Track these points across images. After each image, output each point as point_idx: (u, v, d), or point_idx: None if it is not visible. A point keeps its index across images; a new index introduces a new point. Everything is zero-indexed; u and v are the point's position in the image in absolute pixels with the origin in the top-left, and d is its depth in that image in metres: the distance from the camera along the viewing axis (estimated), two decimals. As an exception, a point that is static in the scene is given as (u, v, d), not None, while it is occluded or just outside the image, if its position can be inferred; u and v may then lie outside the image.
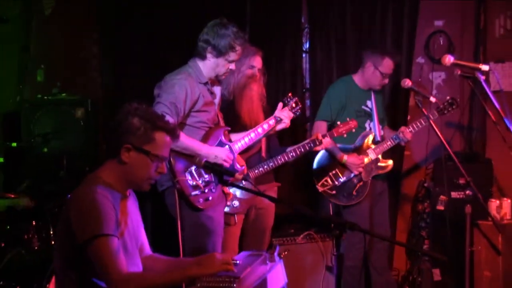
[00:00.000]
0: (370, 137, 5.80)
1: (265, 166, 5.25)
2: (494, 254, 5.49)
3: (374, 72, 5.79)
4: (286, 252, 3.96)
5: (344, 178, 5.76)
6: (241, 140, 4.87)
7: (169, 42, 6.46)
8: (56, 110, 6.15)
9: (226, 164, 4.54)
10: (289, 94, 5.20)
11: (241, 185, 4.02)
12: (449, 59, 4.80)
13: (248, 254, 3.77)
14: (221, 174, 3.60)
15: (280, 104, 5.09)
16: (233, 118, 5.10)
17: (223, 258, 3.28)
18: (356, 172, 5.73)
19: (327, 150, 5.64)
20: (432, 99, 5.43)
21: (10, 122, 6.42)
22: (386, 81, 5.84)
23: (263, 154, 5.43)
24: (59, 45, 6.63)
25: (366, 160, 5.74)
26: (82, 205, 3.15)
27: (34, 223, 5.34)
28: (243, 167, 4.82)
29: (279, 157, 5.26)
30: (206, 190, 4.61)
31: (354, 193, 5.77)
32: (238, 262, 3.31)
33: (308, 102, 6.86)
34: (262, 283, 3.30)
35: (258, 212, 5.42)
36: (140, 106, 3.35)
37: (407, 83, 5.56)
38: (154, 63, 6.32)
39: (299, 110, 5.18)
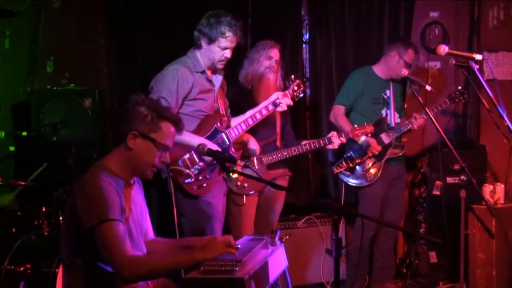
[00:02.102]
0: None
1: (279, 154, 5.26)
2: (487, 237, 5.48)
3: (398, 61, 5.83)
4: (287, 237, 3.96)
5: (358, 160, 5.83)
6: (238, 127, 4.84)
7: (174, 33, 6.44)
8: (65, 100, 6.14)
9: None
10: (292, 76, 5.15)
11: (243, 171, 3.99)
12: (444, 49, 4.77)
13: (250, 238, 3.76)
14: (223, 161, 3.58)
15: (279, 92, 5.04)
16: (250, 106, 5.05)
17: (225, 240, 3.30)
18: (370, 154, 5.77)
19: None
20: (428, 88, 5.44)
21: (20, 112, 6.40)
22: (408, 71, 5.83)
23: (278, 143, 5.43)
24: (67, 37, 6.61)
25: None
26: (88, 192, 3.15)
27: (44, 209, 5.35)
28: (256, 150, 4.84)
29: (293, 148, 5.27)
30: (200, 178, 4.60)
31: (367, 175, 5.83)
32: (239, 246, 3.30)
33: (308, 91, 6.84)
34: (263, 267, 3.28)
35: (267, 195, 5.42)
36: (147, 97, 3.40)
37: (403, 72, 5.57)
38: (160, 54, 6.30)
39: (301, 93, 5.14)
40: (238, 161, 3.49)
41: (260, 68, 5.31)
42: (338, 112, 5.90)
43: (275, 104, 4.97)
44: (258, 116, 4.92)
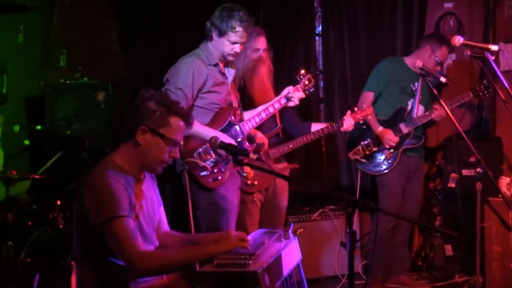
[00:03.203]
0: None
1: (285, 147, 5.23)
2: (504, 230, 5.44)
3: (430, 56, 5.80)
4: (301, 230, 3.94)
5: (375, 148, 5.81)
6: (251, 120, 4.83)
7: (187, 27, 6.43)
8: (78, 93, 6.17)
9: None
10: (302, 71, 5.11)
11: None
12: (458, 40, 4.74)
13: (263, 231, 3.75)
14: (236, 154, 3.57)
15: (291, 86, 5.03)
16: (247, 102, 5.05)
17: (238, 235, 3.30)
18: (387, 146, 5.76)
19: (365, 120, 5.62)
20: (443, 80, 5.39)
21: (34, 105, 6.44)
22: (438, 68, 5.82)
23: (281, 135, 5.40)
24: (80, 31, 6.63)
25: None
26: (95, 189, 3.15)
27: (59, 203, 5.38)
28: (264, 145, 4.83)
29: (298, 139, 5.23)
30: (215, 170, 4.60)
31: (383, 163, 5.83)
32: (250, 241, 3.31)
33: (321, 83, 6.84)
34: (277, 260, 3.27)
35: (274, 191, 5.39)
36: (156, 92, 3.36)
37: (418, 63, 5.53)
38: (173, 47, 6.31)
39: (312, 87, 5.11)
40: (251, 154, 3.46)
41: (249, 63, 5.19)
42: (365, 99, 5.88)
43: (287, 98, 4.96)
44: (271, 110, 4.92)
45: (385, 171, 5.83)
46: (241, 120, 4.81)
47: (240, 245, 3.23)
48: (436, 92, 5.37)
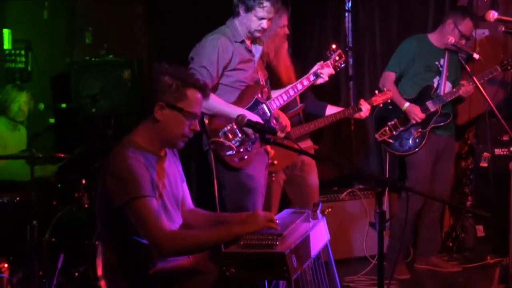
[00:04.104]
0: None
1: (306, 128, 5.21)
2: (538, 210, 5.37)
3: (453, 30, 5.68)
4: (329, 210, 3.92)
5: (403, 127, 5.76)
6: (279, 98, 4.78)
7: (214, 1, 6.37)
8: (103, 71, 6.18)
9: None
10: (333, 46, 5.06)
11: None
12: (493, 15, 4.67)
13: (291, 211, 3.74)
14: (263, 132, 3.53)
15: (321, 62, 4.98)
16: (272, 79, 5.01)
17: (266, 215, 3.26)
18: (414, 122, 5.70)
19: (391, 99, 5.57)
20: (476, 56, 5.32)
21: (59, 83, 6.45)
22: (463, 42, 5.72)
23: (301, 114, 5.37)
24: (105, 7, 6.61)
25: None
26: (115, 170, 3.13)
27: (84, 182, 5.39)
28: (287, 126, 4.78)
29: (320, 120, 5.23)
30: (242, 150, 4.56)
31: (411, 142, 5.77)
32: (277, 221, 3.27)
33: (351, 60, 6.77)
34: (304, 240, 3.24)
35: (303, 169, 5.37)
36: (170, 66, 3.33)
37: (449, 40, 5.46)
38: (199, 23, 6.24)
39: (343, 63, 5.06)
40: (279, 133, 3.43)
41: (276, 40, 5.19)
42: (387, 79, 5.84)
43: (316, 75, 4.91)
44: (300, 87, 4.87)
45: (414, 150, 5.76)
46: (268, 98, 4.77)
47: (268, 225, 3.20)
48: (469, 69, 5.29)
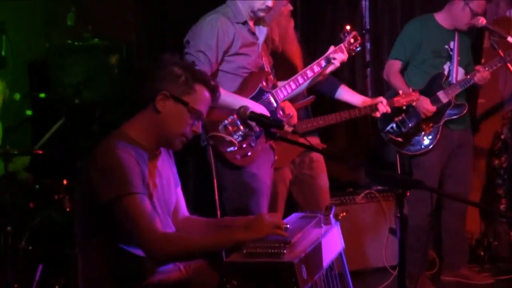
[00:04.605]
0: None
1: (314, 123, 5.22)
2: None
3: (463, 8, 5.66)
4: (344, 214, 3.90)
5: (412, 123, 5.72)
6: (286, 87, 4.74)
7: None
8: (87, 57, 6.20)
9: None
10: (347, 28, 5.00)
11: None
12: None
13: (300, 216, 3.72)
14: (269, 126, 3.52)
15: (332, 47, 4.94)
16: (279, 68, 4.99)
17: (273, 221, 3.23)
18: (424, 116, 5.67)
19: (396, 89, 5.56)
20: (510, 39, 5.30)
21: (38, 71, 6.45)
22: (474, 22, 5.69)
23: (309, 107, 5.37)
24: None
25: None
26: (101, 163, 3.10)
27: (65, 182, 5.39)
28: (293, 117, 4.76)
29: (330, 116, 5.22)
30: (244, 145, 4.53)
31: (422, 140, 5.74)
32: (288, 226, 3.25)
33: (368, 45, 6.76)
34: (316, 249, 3.23)
35: (311, 167, 5.35)
36: (183, 58, 3.46)
37: (480, 21, 5.45)
38: (197, 1, 6.23)
39: (359, 46, 5.01)
40: (286, 126, 3.42)
41: (285, 22, 5.20)
42: (392, 68, 5.83)
43: (327, 60, 4.87)
44: (310, 74, 4.83)
45: (427, 149, 5.74)
46: (274, 86, 4.75)
47: (276, 232, 3.17)
48: (502, 54, 5.28)
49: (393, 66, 5.82)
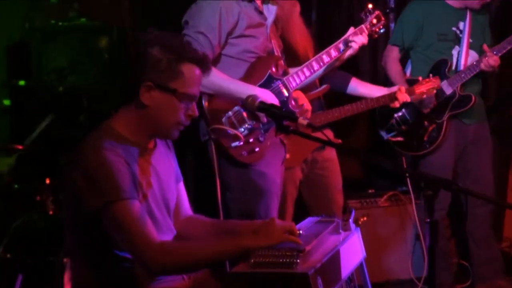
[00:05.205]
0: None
1: (329, 115, 5.25)
2: None
3: None
4: (365, 218, 3.92)
5: (413, 119, 5.75)
6: (299, 74, 4.75)
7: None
8: (73, 39, 6.20)
9: None
10: (369, 6, 5.00)
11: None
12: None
13: (316, 220, 3.73)
14: (280, 118, 3.51)
15: (351, 28, 4.95)
16: (285, 53, 5.00)
17: (285, 226, 3.23)
18: (425, 111, 5.68)
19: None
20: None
21: (17, 55, 6.47)
22: (483, 1, 5.71)
23: (321, 98, 5.38)
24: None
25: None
26: (87, 166, 3.10)
27: (48, 182, 5.39)
28: (307, 110, 4.78)
29: (346, 107, 5.25)
30: (251, 140, 4.56)
31: (425, 138, 5.77)
32: (301, 232, 3.26)
33: (392, 25, 6.77)
34: (333, 258, 3.25)
35: (324, 166, 5.37)
36: (161, 34, 3.27)
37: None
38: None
39: (382, 28, 5.02)
40: (300, 119, 3.41)
41: (289, 5, 5.19)
42: (389, 55, 5.87)
43: (346, 43, 4.87)
44: (326, 59, 4.83)
45: (430, 148, 5.75)
46: (285, 73, 4.76)
47: (288, 238, 3.17)
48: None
49: (391, 53, 5.87)
